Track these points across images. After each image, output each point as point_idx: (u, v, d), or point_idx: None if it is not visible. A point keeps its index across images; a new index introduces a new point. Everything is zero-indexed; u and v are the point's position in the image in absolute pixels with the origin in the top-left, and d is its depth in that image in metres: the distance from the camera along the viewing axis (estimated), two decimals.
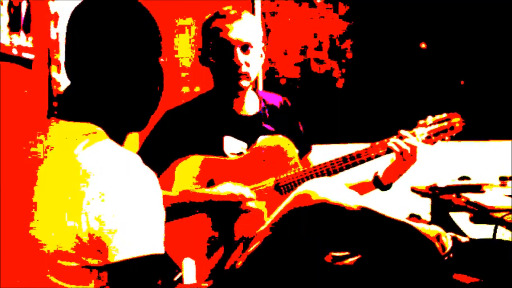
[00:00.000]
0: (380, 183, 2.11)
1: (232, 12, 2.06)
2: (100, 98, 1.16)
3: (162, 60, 1.21)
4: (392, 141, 2.04)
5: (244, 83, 2.05)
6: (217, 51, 2.04)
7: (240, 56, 2.02)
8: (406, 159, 2.03)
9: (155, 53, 1.20)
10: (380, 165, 2.12)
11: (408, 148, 2.02)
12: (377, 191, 2.14)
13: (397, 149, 2.03)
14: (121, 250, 1.01)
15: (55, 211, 1.04)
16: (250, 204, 1.95)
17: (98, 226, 1.02)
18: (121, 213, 1.02)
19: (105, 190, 1.03)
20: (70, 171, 1.05)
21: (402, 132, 2.07)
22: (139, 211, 1.04)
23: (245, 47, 2.03)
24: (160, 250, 1.05)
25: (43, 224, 1.05)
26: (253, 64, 2.05)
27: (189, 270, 1.82)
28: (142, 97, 1.20)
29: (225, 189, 1.96)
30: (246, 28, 2.05)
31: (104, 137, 1.13)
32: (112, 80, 1.15)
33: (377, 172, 2.11)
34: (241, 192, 1.95)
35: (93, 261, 1.03)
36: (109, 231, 1.01)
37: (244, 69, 2.03)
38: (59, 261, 1.04)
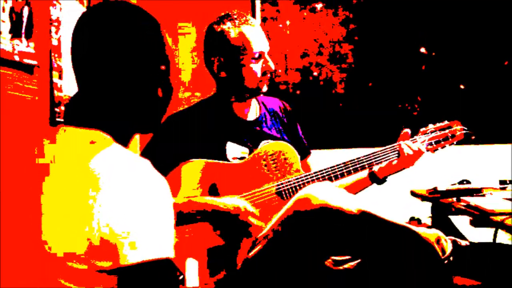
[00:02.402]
0: (376, 177, 2.13)
1: (249, 17, 2.08)
2: (107, 104, 1.18)
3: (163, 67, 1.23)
4: (406, 143, 2.09)
5: (265, 88, 2.10)
6: (238, 56, 2.05)
7: (271, 62, 2.06)
8: (410, 161, 2.09)
9: (160, 59, 1.21)
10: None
11: (415, 151, 2.08)
12: (377, 193, 2.14)
13: (410, 152, 2.06)
14: (132, 254, 1.02)
15: (66, 216, 1.05)
16: (251, 219, 1.94)
17: (109, 230, 1.02)
18: (133, 217, 1.03)
19: (117, 194, 1.04)
20: (81, 176, 1.06)
21: (412, 139, 2.13)
22: (150, 215, 1.04)
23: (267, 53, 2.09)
24: (170, 254, 1.06)
25: (53, 228, 1.06)
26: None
27: (192, 271, 1.82)
28: (148, 103, 1.21)
29: (231, 201, 1.95)
30: (263, 33, 2.10)
31: (112, 143, 1.14)
32: (119, 86, 1.17)
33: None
34: (245, 205, 1.94)
35: (104, 264, 1.04)
36: (120, 235, 1.02)
37: (269, 74, 2.08)
38: (69, 264, 1.05)
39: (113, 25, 1.17)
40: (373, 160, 2.07)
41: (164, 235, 1.06)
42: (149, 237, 1.04)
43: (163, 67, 1.21)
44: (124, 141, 1.19)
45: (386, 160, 2.08)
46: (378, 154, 2.09)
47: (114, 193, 1.04)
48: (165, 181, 1.10)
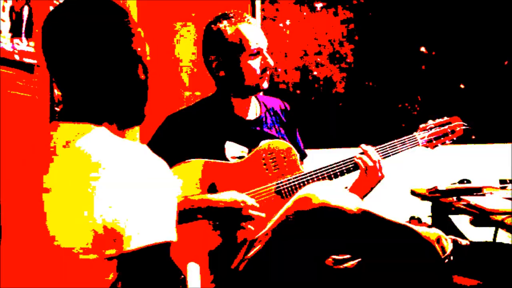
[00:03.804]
0: None
1: (246, 15, 2.08)
2: (89, 97, 1.18)
3: (138, 49, 1.22)
4: (358, 157, 2.05)
5: (265, 84, 2.09)
6: (236, 53, 2.04)
7: (269, 58, 2.06)
8: (368, 174, 2.04)
9: (129, 42, 1.20)
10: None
11: (372, 164, 2.04)
12: (377, 193, 2.14)
13: (363, 166, 2.04)
14: (135, 239, 1.03)
15: (70, 209, 1.06)
16: (252, 211, 1.95)
17: (111, 217, 1.03)
18: (133, 201, 1.04)
19: (115, 180, 1.05)
20: (79, 169, 1.07)
21: (363, 146, 2.08)
22: (151, 198, 1.05)
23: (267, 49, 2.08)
24: (173, 237, 1.07)
25: (59, 223, 1.07)
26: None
27: (193, 275, 1.82)
28: (127, 89, 1.21)
29: (228, 196, 1.96)
30: (261, 30, 2.09)
31: (107, 132, 1.15)
32: (95, 77, 1.17)
33: (346, 187, 2.12)
34: (243, 199, 1.95)
35: (111, 252, 1.05)
36: (122, 220, 1.03)
37: (269, 71, 2.07)
38: (81, 257, 1.05)
39: (78, 18, 1.16)
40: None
41: (165, 218, 1.06)
42: (151, 221, 1.04)
43: (136, 48, 1.20)
44: (118, 132, 1.20)
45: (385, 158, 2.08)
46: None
47: (112, 179, 1.05)
48: (165, 163, 1.10)
